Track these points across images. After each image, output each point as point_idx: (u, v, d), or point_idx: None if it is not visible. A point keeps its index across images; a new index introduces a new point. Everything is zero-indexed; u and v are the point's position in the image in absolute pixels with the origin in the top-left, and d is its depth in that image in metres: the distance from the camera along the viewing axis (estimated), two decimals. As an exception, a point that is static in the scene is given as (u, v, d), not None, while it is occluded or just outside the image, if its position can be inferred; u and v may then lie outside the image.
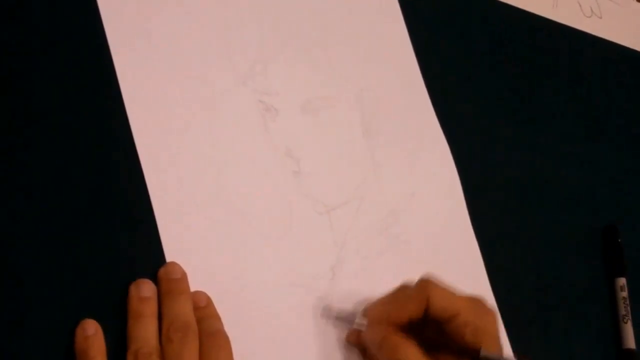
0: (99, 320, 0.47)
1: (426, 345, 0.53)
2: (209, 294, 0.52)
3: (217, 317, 0.51)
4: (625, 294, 0.72)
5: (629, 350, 0.70)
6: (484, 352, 0.53)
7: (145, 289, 0.49)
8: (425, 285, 0.54)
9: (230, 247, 0.54)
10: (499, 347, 0.54)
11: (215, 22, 0.59)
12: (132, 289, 0.49)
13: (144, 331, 0.48)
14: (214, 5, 0.60)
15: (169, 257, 0.51)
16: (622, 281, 0.73)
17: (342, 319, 0.57)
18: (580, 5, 0.88)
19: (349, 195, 0.61)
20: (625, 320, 0.71)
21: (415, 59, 0.69)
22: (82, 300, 0.48)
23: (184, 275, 0.51)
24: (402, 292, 0.55)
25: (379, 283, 0.59)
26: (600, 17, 0.89)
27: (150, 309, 0.49)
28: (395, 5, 0.70)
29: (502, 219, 0.70)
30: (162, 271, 0.51)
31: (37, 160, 0.50)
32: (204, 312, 0.51)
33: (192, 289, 0.51)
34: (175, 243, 0.52)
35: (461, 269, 0.64)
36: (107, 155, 0.52)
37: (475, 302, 0.55)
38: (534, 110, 0.78)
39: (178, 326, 0.48)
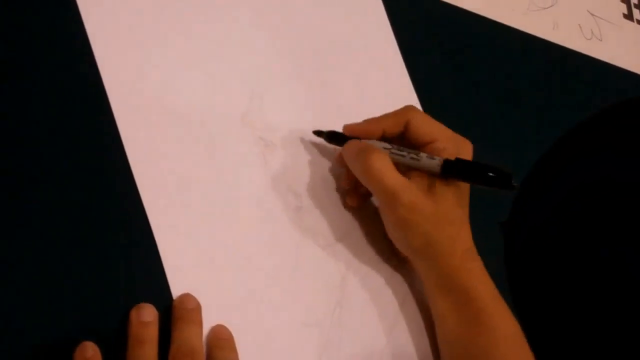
0: (98, 343, 0.47)
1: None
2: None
3: (235, 352, 0.51)
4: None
5: None
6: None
7: (146, 313, 0.48)
8: (407, 109, 0.59)
9: (237, 289, 0.54)
10: None
11: (210, 60, 0.59)
12: (133, 313, 0.48)
13: (144, 356, 0.47)
14: (208, 43, 0.59)
15: (174, 289, 0.51)
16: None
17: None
18: (580, 28, 0.88)
19: (351, 227, 0.61)
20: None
21: (412, 87, 0.69)
22: (82, 323, 0.48)
23: (198, 306, 0.50)
24: (383, 115, 0.59)
25: (386, 314, 0.59)
26: (600, 40, 0.89)
27: (151, 334, 0.48)
28: (389, 34, 0.70)
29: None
30: (177, 300, 0.50)
31: (36, 184, 0.49)
32: (224, 342, 0.50)
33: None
34: (180, 280, 0.51)
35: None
36: (109, 194, 0.51)
37: (454, 134, 0.59)
38: (536, 132, 0.78)
39: (185, 352, 0.48)
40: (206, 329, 0.51)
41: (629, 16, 0.95)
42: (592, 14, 0.90)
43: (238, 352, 0.51)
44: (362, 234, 0.61)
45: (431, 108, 0.69)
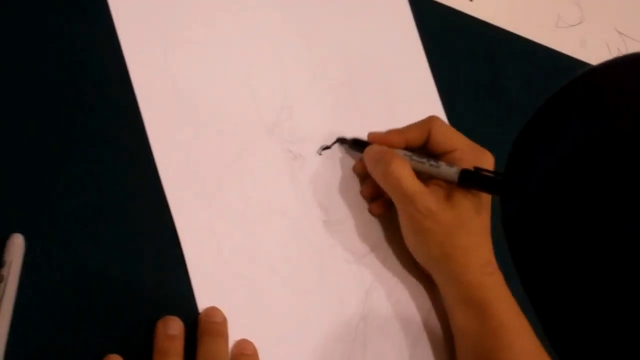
0: (124, 355, 0.46)
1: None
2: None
3: None
4: None
5: None
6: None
7: (172, 326, 0.48)
8: (430, 119, 0.59)
9: (262, 302, 0.53)
10: None
11: (241, 71, 0.58)
12: (160, 326, 0.48)
13: (169, 369, 0.47)
14: (237, 55, 0.59)
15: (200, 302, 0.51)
16: None
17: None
18: (608, 46, 0.88)
19: (377, 241, 0.60)
20: None
21: (439, 101, 0.69)
22: (108, 335, 0.47)
23: (224, 320, 0.50)
24: (406, 125, 0.60)
25: (409, 329, 0.59)
26: (627, 58, 0.89)
27: (176, 347, 0.48)
28: (419, 47, 0.70)
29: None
30: (203, 314, 0.50)
31: (66, 192, 0.49)
32: (248, 358, 0.50)
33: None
34: (206, 294, 0.51)
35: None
36: (137, 205, 0.51)
37: (474, 144, 0.59)
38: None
39: None
40: (230, 342, 0.51)
41: (656, 35, 0.94)
42: (620, 33, 0.89)
43: None
44: (388, 249, 0.60)
45: (457, 122, 0.69)
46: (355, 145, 0.60)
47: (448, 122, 0.69)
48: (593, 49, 0.86)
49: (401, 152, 0.58)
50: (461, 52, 0.74)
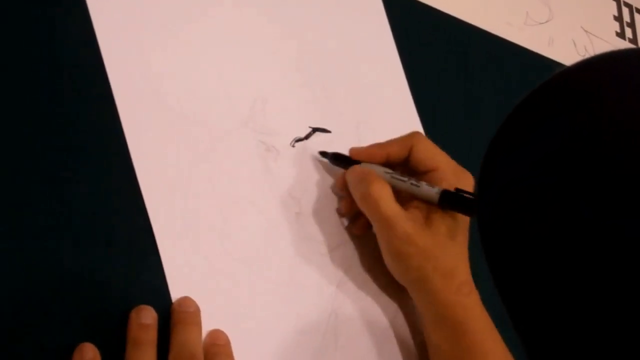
0: (97, 344, 0.46)
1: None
2: (213, 338, 0.51)
3: (231, 358, 0.51)
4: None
5: None
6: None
7: (146, 315, 0.48)
8: (413, 135, 0.59)
9: (235, 293, 0.53)
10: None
11: (215, 62, 0.58)
12: (133, 315, 0.48)
13: (142, 358, 0.47)
14: (212, 48, 0.58)
15: (173, 292, 0.51)
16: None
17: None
18: (574, 44, 0.89)
19: (349, 235, 0.61)
20: None
21: (411, 96, 0.70)
22: (81, 325, 0.47)
23: (197, 310, 0.50)
24: (388, 140, 0.60)
25: (380, 323, 0.59)
26: (593, 56, 0.90)
27: (150, 336, 0.48)
28: (390, 42, 0.70)
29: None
30: (176, 303, 0.50)
31: (37, 183, 0.49)
32: (221, 349, 0.50)
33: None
34: (179, 284, 0.51)
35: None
36: (111, 195, 0.51)
37: (455, 164, 0.59)
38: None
39: (185, 355, 0.48)
40: (203, 333, 0.51)
41: (621, 34, 0.96)
42: (586, 31, 0.91)
43: (234, 358, 0.51)
44: (360, 242, 0.61)
45: (426, 114, 0.70)
46: (336, 160, 0.60)
47: (419, 118, 0.70)
48: (560, 46, 0.87)
49: (382, 170, 0.58)
50: (432, 48, 0.75)
